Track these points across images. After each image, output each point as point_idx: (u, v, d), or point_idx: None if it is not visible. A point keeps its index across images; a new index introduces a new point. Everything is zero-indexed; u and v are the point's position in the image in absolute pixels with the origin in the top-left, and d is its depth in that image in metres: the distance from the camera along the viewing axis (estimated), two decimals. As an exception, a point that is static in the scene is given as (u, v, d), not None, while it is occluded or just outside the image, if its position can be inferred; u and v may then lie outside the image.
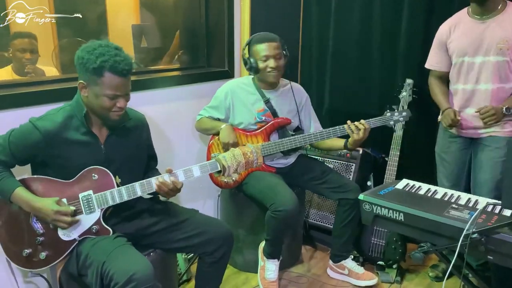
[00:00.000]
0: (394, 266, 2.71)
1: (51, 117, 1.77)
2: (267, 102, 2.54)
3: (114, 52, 1.68)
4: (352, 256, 2.72)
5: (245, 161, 1.83)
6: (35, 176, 1.80)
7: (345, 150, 2.86)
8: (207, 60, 3.12)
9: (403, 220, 1.69)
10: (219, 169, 1.82)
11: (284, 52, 2.50)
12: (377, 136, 2.65)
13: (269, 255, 2.45)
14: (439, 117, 2.60)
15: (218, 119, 2.59)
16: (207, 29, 3.05)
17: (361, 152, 2.93)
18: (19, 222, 1.78)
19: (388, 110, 2.50)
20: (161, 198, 2.03)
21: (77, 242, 1.78)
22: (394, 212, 1.71)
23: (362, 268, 2.67)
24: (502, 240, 1.47)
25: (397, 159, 2.70)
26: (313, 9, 3.23)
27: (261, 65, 2.45)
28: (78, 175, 1.78)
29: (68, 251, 1.77)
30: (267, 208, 2.28)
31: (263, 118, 2.54)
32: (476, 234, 1.47)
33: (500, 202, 1.72)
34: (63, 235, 1.77)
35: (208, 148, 2.63)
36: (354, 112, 2.95)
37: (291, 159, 2.63)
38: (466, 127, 2.43)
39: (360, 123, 2.37)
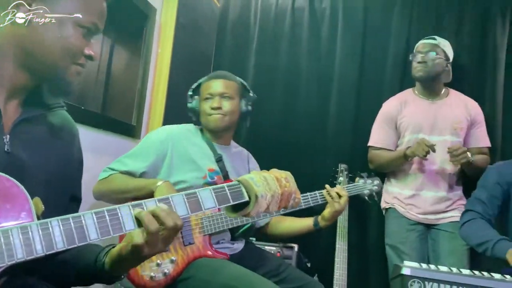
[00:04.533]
0: None
1: None
2: (219, 160, 1.85)
3: None
4: None
5: (281, 192, 1.00)
6: None
7: (275, 249, 2.33)
8: (102, 103, 2.09)
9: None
10: (246, 198, 0.97)
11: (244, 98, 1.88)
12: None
13: None
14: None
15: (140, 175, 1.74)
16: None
17: (296, 249, 2.36)
18: None
19: (358, 178, 2.12)
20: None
21: None
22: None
23: None
24: None
25: (346, 254, 2.24)
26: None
27: (203, 106, 1.82)
28: None
29: None
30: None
31: (215, 178, 1.80)
32: None
33: None
34: None
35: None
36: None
37: (239, 245, 1.89)
38: (425, 212, 2.20)
39: (339, 189, 1.83)
